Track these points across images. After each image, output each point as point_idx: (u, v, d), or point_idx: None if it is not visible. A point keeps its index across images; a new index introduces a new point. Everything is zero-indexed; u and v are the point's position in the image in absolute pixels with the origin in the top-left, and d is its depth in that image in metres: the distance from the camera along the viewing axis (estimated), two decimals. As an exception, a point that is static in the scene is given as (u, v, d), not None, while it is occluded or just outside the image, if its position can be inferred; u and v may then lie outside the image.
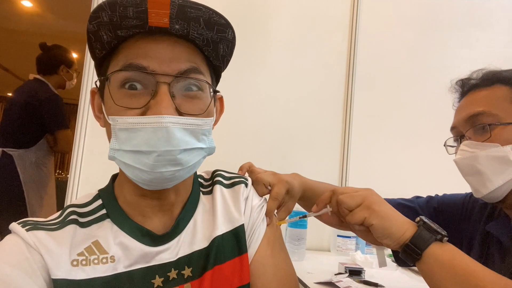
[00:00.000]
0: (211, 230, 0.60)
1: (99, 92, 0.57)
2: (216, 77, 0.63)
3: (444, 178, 1.72)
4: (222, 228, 0.61)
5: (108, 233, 0.55)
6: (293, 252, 1.34)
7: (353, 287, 1.02)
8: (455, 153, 0.80)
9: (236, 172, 0.71)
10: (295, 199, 0.82)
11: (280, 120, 1.66)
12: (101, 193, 0.60)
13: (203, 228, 0.61)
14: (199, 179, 0.68)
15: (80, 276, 0.51)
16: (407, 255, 0.60)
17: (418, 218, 0.63)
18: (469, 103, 0.78)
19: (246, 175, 0.72)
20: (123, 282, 0.52)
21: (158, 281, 0.54)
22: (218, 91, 0.61)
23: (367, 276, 1.13)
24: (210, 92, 0.57)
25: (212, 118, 0.58)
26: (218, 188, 0.66)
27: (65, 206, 0.60)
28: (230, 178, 0.69)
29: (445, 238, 0.60)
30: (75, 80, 2.29)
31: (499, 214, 0.81)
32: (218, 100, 0.64)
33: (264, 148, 1.63)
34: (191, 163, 0.54)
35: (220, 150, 1.66)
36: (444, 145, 0.84)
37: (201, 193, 0.65)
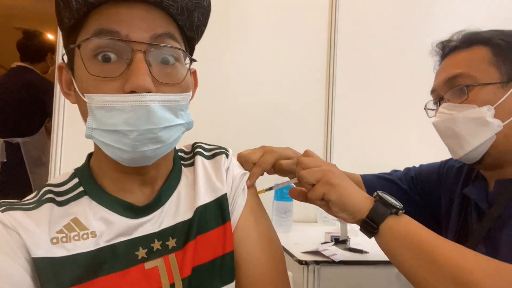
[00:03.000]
0: (194, 200, 0.60)
1: (68, 66, 0.54)
2: (190, 50, 0.61)
3: (429, 148, 1.76)
4: (205, 198, 0.61)
5: (87, 210, 0.54)
6: (280, 225, 1.36)
7: (339, 254, 1.05)
8: (435, 115, 0.80)
9: (215, 144, 0.71)
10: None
11: (263, 94, 1.65)
12: (77, 172, 0.59)
13: (186, 199, 0.60)
14: (179, 153, 0.67)
15: (61, 253, 0.50)
16: (365, 230, 0.61)
17: (375, 193, 0.63)
18: (448, 65, 0.77)
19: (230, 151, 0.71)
20: (106, 256, 0.52)
21: (142, 252, 0.54)
22: (195, 60, 0.59)
23: (352, 244, 1.16)
24: (186, 64, 0.56)
25: (190, 93, 0.57)
26: (199, 159, 0.65)
27: None
28: (210, 150, 0.69)
29: (401, 212, 0.60)
30: None
31: (476, 177, 0.82)
32: (192, 74, 0.63)
33: (247, 123, 1.62)
34: (171, 139, 0.53)
35: (202, 126, 1.65)
36: (424, 109, 0.84)
37: (182, 166, 0.65)
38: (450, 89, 0.75)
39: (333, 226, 1.49)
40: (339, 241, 1.16)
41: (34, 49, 2.19)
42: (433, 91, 0.81)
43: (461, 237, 0.79)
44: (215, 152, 0.68)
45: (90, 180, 0.57)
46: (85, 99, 0.49)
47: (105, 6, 0.50)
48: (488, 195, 0.75)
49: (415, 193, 0.93)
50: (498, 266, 0.51)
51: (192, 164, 0.65)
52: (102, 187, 0.57)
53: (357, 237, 1.30)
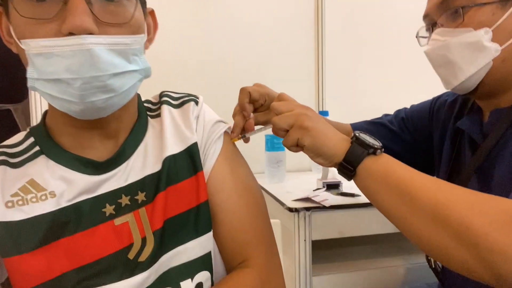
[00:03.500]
0: (162, 152, 0.57)
1: (4, 11, 0.48)
2: None
3: (422, 93, 1.71)
4: (174, 148, 0.58)
5: (44, 169, 0.51)
6: (273, 175, 1.36)
7: (330, 199, 1.04)
8: (427, 43, 0.74)
9: (184, 92, 0.66)
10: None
11: (249, 43, 1.58)
12: (32, 130, 0.56)
13: (154, 151, 0.57)
14: (146, 104, 0.63)
15: (19, 217, 0.49)
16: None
17: (352, 134, 0.60)
18: None
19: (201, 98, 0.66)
20: (70, 215, 0.50)
21: (109, 209, 0.52)
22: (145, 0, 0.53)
23: (344, 188, 1.16)
24: (136, 1, 0.50)
25: (143, 35, 0.51)
26: (165, 108, 0.61)
27: None
28: (178, 98, 0.64)
29: (379, 151, 0.57)
30: None
31: (470, 109, 0.78)
32: (149, 14, 0.57)
33: (235, 75, 1.57)
34: (124, 88, 0.49)
35: (188, 78, 1.59)
36: (416, 37, 0.77)
37: (149, 117, 0.61)
38: (444, 12, 0.67)
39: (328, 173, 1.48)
40: (331, 186, 1.15)
41: None
42: (425, 16, 0.73)
43: (453, 173, 0.77)
44: (183, 100, 0.63)
45: (46, 138, 0.54)
46: (22, 46, 0.45)
47: None
48: (483, 126, 0.71)
49: (406, 133, 0.90)
50: (478, 197, 0.49)
51: (159, 114, 0.61)
52: (60, 144, 0.54)
53: (349, 182, 1.30)
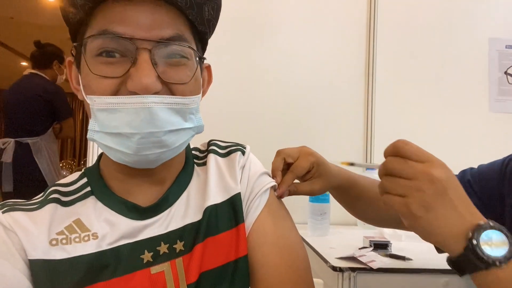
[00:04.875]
0: (204, 201, 0.56)
1: (76, 62, 0.53)
2: (202, 44, 0.58)
3: (481, 148, 1.60)
4: (217, 198, 0.57)
5: (91, 211, 0.53)
6: (316, 228, 1.30)
7: (378, 261, 0.96)
8: None
9: (233, 141, 0.67)
10: (325, 181, 0.72)
11: (295, 92, 1.58)
12: (86, 171, 0.58)
13: (196, 200, 0.57)
14: (194, 152, 0.64)
15: (61, 256, 0.49)
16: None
17: (470, 234, 0.47)
18: None
19: (248, 148, 0.66)
20: (109, 259, 0.50)
21: (147, 256, 0.51)
22: (205, 58, 0.57)
23: (394, 250, 1.07)
24: (196, 60, 0.53)
25: (199, 95, 0.54)
26: (212, 157, 0.62)
27: None
28: (225, 147, 0.64)
29: (501, 264, 0.46)
30: (65, 76, 2.49)
31: None
32: (205, 69, 0.60)
33: (281, 129, 1.57)
34: (177, 144, 0.51)
35: (233, 126, 1.62)
36: (505, 73, 0.71)
37: (195, 165, 0.62)
38: None
39: (374, 230, 1.39)
40: (379, 246, 1.07)
41: (41, 57, 2.39)
42: None
43: None
44: (230, 150, 0.63)
45: (98, 180, 0.56)
46: (88, 101, 0.48)
47: (110, 1, 0.48)
48: None
49: (473, 196, 0.80)
50: None
51: (206, 163, 0.62)
52: (110, 187, 0.55)
53: (400, 242, 1.20)
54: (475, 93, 1.65)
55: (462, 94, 1.65)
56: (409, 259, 0.99)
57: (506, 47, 1.66)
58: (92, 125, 0.49)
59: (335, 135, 1.60)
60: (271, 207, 0.60)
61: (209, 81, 0.62)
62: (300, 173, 0.68)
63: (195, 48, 0.53)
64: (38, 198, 0.55)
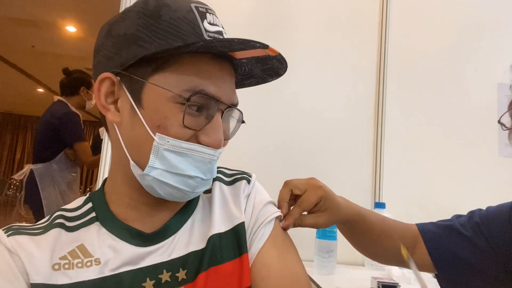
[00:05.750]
0: (208, 230, 0.57)
1: (125, 86, 0.52)
2: None
3: (490, 192, 1.58)
4: (221, 227, 0.57)
5: (95, 236, 0.53)
6: (322, 266, 1.27)
7: (386, 303, 0.93)
8: None
9: (239, 169, 0.67)
10: (331, 215, 0.72)
11: (307, 132, 1.60)
12: (91, 196, 0.59)
13: (200, 228, 0.57)
14: None
15: (62, 281, 0.49)
16: None
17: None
18: None
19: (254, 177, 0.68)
20: (110, 286, 0.50)
21: (149, 284, 0.51)
22: (244, 122, 0.61)
23: (403, 292, 1.03)
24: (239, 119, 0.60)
25: None
26: (217, 185, 0.62)
27: None
28: (231, 175, 0.65)
29: None
30: (94, 101, 2.48)
31: None
32: None
33: (290, 162, 1.57)
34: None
35: (244, 163, 1.62)
36: (499, 122, 0.72)
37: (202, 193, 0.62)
38: None
39: (382, 271, 1.35)
40: (387, 288, 1.04)
41: (67, 84, 2.40)
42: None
43: None
44: (236, 178, 0.64)
45: (102, 205, 0.56)
46: (155, 138, 0.49)
47: (203, 56, 0.51)
48: None
49: (482, 239, 0.78)
50: None
51: (210, 190, 0.62)
52: (114, 213, 0.55)
53: (409, 285, 1.17)
54: (485, 138, 1.66)
55: (472, 138, 1.65)
56: (418, 303, 0.95)
57: (515, 93, 1.68)
58: (152, 162, 0.50)
59: (344, 173, 1.60)
60: (276, 238, 0.59)
61: None
62: (307, 207, 0.68)
63: None
64: (44, 222, 0.55)
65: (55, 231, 0.53)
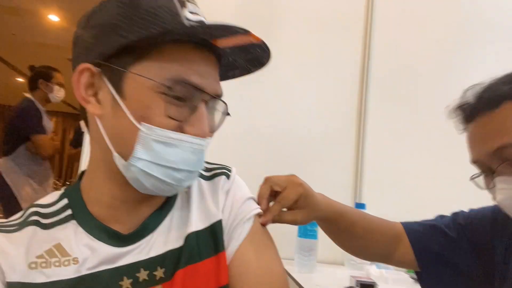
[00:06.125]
0: (185, 227, 0.56)
1: (112, 82, 0.50)
2: None
3: (470, 194, 1.62)
4: (198, 224, 0.57)
5: (72, 236, 0.52)
6: (303, 264, 1.28)
7: (364, 301, 0.95)
8: (486, 188, 0.72)
9: (219, 163, 0.66)
10: (310, 213, 0.72)
11: (290, 129, 1.61)
12: (67, 192, 0.57)
13: (178, 225, 0.56)
14: None
15: (40, 279, 0.48)
16: None
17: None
18: (482, 133, 0.70)
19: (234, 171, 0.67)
20: (87, 285, 0.49)
21: (126, 282, 0.50)
22: (229, 114, 0.59)
23: (380, 291, 1.05)
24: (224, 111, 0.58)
25: None
26: (196, 181, 0.61)
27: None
28: (211, 170, 0.64)
29: None
30: (61, 93, 2.50)
31: None
32: None
33: (273, 159, 1.58)
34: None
35: (225, 157, 1.62)
36: (471, 179, 0.75)
37: None
38: (504, 162, 0.66)
39: (361, 270, 1.37)
40: (365, 286, 1.05)
41: (30, 80, 2.47)
42: (476, 162, 0.72)
43: None
44: (215, 173, 0.63)
45: (79, 203, 0.55)
46: (141, 127, 0.48)
47: (184, 45, 0.50)
48: None
49: (464, 240, 0.82)
50: None
51: (190, 185, 0.61)
52: (91, 212, 0.54)
53: (386, 284, 1.19)
54: (465, 142, 1.69)
55: (451, 141, 1.68)
56: (395, 302, 0.97)
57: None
58: (139, 153, 0.48)
59: (325, 172, 1.61)
60: (254, 235, 0.59)
61: None
62: (287, 204, 0.67)
63: None
64: (17, 218, 0.54)
65: (30, 229, 0.52)
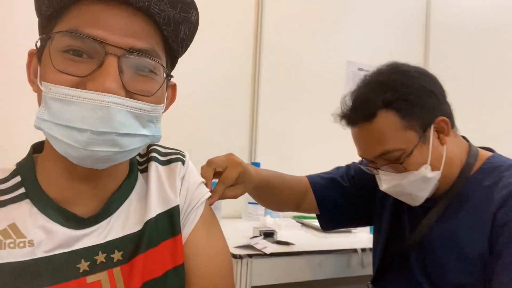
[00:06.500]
0: (144, 212, 0.57)
1: (38, 54, 0.51)
2: (171, 62, 0.59)
3: (335, 150, 1.95)
4: (156, 209, 0.58)
5: (26, 216, 0.50)
6: (208, 221, 1.39)
7: (269, 247, 1.12)
8: (373, 172, 0.87)
9: (171, 147, 0.68)
10: (246, 186, 0.82)
11: (189, 95, 1.65)
12: (19, 169, 0.54)
13: (137, 210, 0.58)
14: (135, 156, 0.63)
15: None
16: None
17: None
18: (365, 140, 0.82)
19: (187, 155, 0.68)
20: (43, 268, 0.49)
21: (84, 265, 0.51)
22: (172, 76, 0.57)
23: (278, 237, 1.25)
24: (164, 76, 0.53)
25: (162, 105, 0.54)
26: (153, 165, 0.62)
27: None
28: (166, 154, 0.65)
29: None
30: None
31: None
32: (170, 87, 0.60)
33: (174, 122, 1.61)
34: (130, 147, 0.50)
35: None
36: (359, 165, 0.93)
37: (138, 172, 0.62)
38: (385, 163, 0.80)
39: (257, 221, 1.57)
40: (268, 235, 1.23)
41: None
42: (364, 158, 0.87)
43: (391, 233, 0.92)
44: (171, 158, 0.65)
45: (33, 183, 0.53)
46: (41, 87, 0.46)
47: (87, 1, 0.47)
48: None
49: (354, 188, 1.02)
50: None
51: (146, 169, 0.62)
52: (46, 192, 0.53)
53: (280, 230, 1.40)
54: (335, 106, 2.00)
55: (325, 106, 1.97)
56: (292, 244, 1.18)
57: (358, 69, 2.06)
58: (41, 113, 0.46)
59: (224, 134, 1.73)
60: (205, 218, 0.64)
61: (172, 99, 0.62)
62: (229, 183, 0.76)
63: (165, 64, 0.54)
64: None
65: None
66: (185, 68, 1.65)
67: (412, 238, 0.84)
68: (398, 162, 0.78)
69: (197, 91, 1.67)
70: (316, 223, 1.48)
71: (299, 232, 1.43)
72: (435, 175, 0.79)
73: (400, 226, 0.91)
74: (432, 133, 0.79)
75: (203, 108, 1.69)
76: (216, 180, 0.79)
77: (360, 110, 0.81)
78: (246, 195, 0.92)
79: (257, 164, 1.63)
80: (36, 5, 0.50)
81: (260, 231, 1.25)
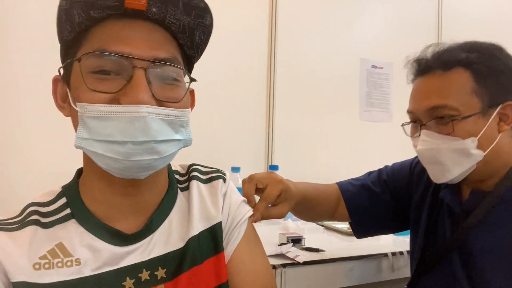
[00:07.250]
0: (187, 229, 0.58)
1: (63, 79, 0.53)
2: (188, 68, 0.60)
3: (353, 149, 1.94)
4: (199, 227, 0.60)
5: (73, 235, 0.52)
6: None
7: (300, 255, 1.10)
8: (411, 136, 0.83)
9: (212, 166, 0.69)
10: (289, 203, 0.81)
11: (208, 99, 1.62)
12: (65, 191, 0.57)
13: (179, 227, 0.59)
14: (175, 175, 0.64)
15: (44, 280, 0.48)
16: None
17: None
18: (428, 90, 0.76)
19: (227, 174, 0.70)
20: (90, 286, 0.50)
21: (129, 283, 0.52)
22: (195, 80, 0.58)
23: (306, 243, 1.22)
24: (186, 82, 0.56)
25: (189, 109, 0.57)
26: (195, 184, 0.64)
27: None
28: (207, 173, 0.67)
29: None
30: None
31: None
32: (189, 92, 0.61)
33: (191, 127, 1.59)
34: (168, 153, 0.52)
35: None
36: (402, 125, 0.86)
37: (178, 190, 0.63)
38: (434, 119, 0.74)
39: (278, 224, 1.54)
40: (296, 241, 1.21)
41: None
42: (411, 113, 0.81)
43: (429, 239, 0.89)
44: (212, 176, 0.66)
45: (78, 202, 0.54)
46: (77, 108, 0.48)
47: (106, 22, 0.49)
48: (462, 202, 0.81)
49: (387, 193, 0.98)
50: None
51: (187, 187, 0.63)
52: (91, 211, 0.54)
53: (304, 234, 1.38)
54: (349, 104, 1.99)
55: (340, 105, 1.96)
56: (322, 250, 1.16)
57: (372, 67, 2.03)
58: (80, 132, 0.49)
59: (239, 137, 1.70)
60: (249, 235, 0.65)
61: (192, 104, 0.64)
62: (271, 201, 0.75)
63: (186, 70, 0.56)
64: (16, 217, 0.52)
65: (31, 229, 0.51)
66: (200, 72, 1.64)
67: (452, 241, 0.81)
68: (451, 119, 0.72)
69: (212, 94, 1.64)
70: (338, 225, 1.47)
71: (323, 236, 1.41)
72: (479, 153, 0.73)
73: (439, 229, 0.89)
74: (495, 113, 0.74)
75: (219, 111, 1.66)
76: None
77: (441, 58, 0.76)
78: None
79: (275, 167, 1.61)
80: (58, 32, 0.52)
81: (288, 237, 1.22)
